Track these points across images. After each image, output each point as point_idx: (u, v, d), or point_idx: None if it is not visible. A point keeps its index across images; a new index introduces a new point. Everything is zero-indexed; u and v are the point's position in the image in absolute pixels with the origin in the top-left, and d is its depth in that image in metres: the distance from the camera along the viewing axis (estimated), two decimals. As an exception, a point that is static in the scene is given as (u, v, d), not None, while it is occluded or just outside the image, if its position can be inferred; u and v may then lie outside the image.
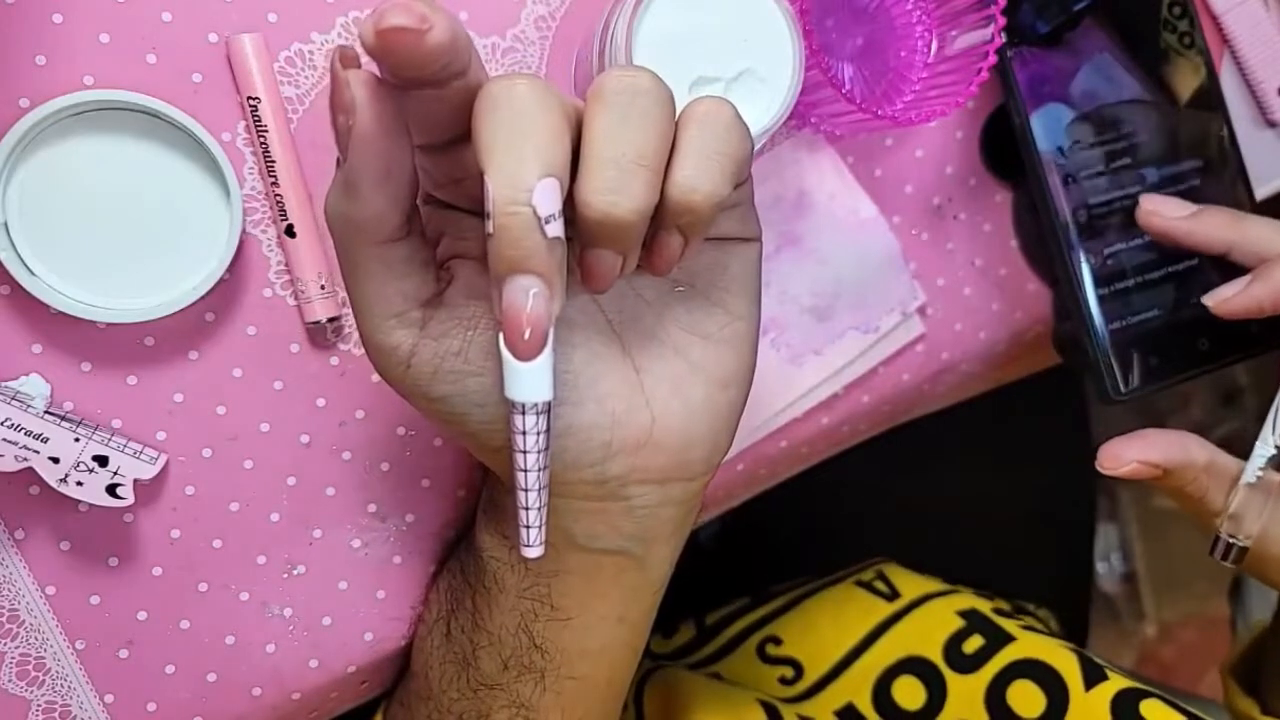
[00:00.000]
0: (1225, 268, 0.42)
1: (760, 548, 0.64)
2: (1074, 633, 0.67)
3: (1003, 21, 0.39)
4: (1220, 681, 0.49)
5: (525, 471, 0.28)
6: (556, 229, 0.25)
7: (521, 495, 0.28)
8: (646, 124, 0.26)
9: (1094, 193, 0.44)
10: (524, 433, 0.27)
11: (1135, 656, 0.96)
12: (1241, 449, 0.40)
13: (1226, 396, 0.90)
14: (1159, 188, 0.44)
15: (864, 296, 0.45)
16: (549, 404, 0.27)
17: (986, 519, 0.63)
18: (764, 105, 0.36)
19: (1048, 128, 0.43)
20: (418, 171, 0.28)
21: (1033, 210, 0.45)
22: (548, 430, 0.28)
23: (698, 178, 0.27)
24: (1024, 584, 0.60)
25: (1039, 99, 0.43)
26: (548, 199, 0.24)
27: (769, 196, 0.43)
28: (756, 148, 0.37)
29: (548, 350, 0.26)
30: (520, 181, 0.24)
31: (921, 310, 0.47)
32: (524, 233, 0.24)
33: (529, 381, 0.26)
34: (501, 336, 0.26)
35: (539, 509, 0.28)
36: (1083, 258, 0.43)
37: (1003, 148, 0.46)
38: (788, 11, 0.35)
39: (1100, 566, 0.95)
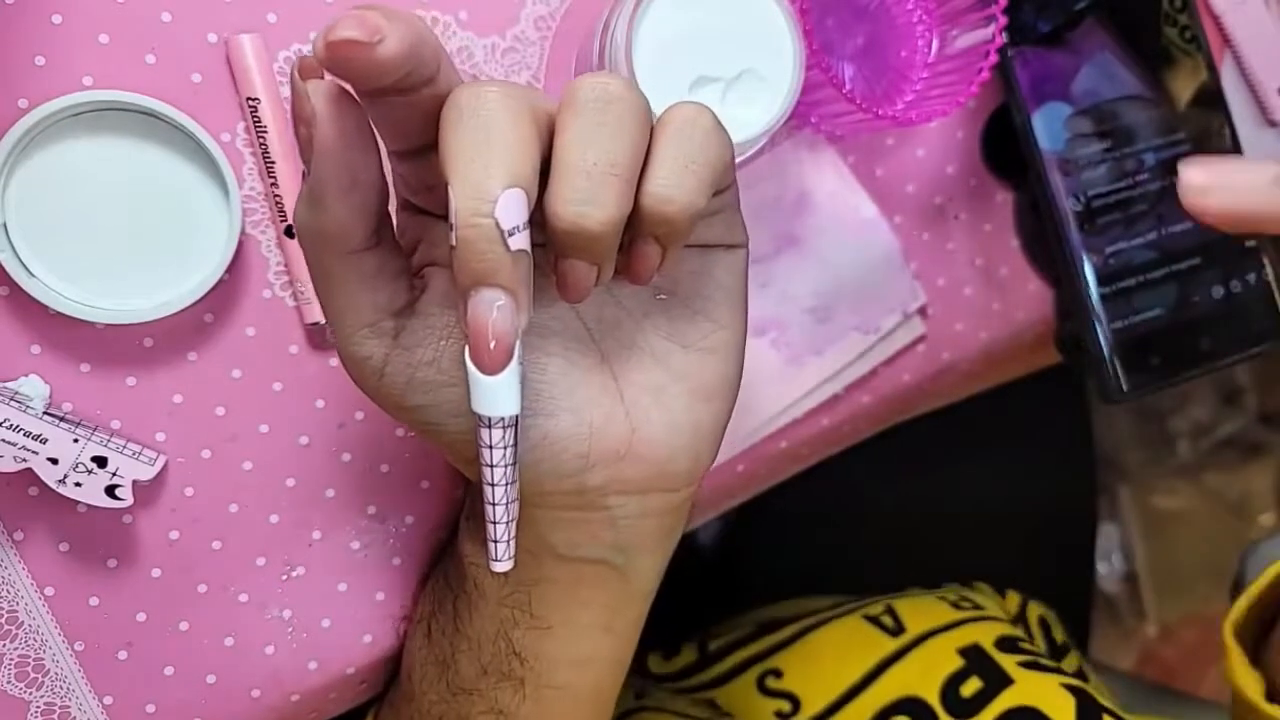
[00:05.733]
0: (1227, 266, 0.42)
1: (762, 554, 0.63)
2: (1075, 634, 0.67)
3: (1004, 21, 0.38)
4: (1221, 680, 0.48)
5: (492, 486, 0.27)
6: (521, 241, 0.24)
7: (489, 509, 0.27)
8: (618, 132, 0.25)
9: (1096, 191, 0.43)
10: (490, 447, 0.26)
11: (1137, 657, 0.96)
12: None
13: (1228, 396, 0.90)
14: (1158, 179, 0.44)
15: (864, 297, 0.45)
16: (516, 418, 0.26)
17: (986, 519, 0.63)
18: (764, 105, 0.36)
19: (1049, 127, 0.43)
20: (394, 177, 0.28)
21: (1034, 209, 0.45)
22: (515, 445, 0.27)
23: (672, 187, 0.26)
24: (1024, 584, 0.59)
25: (1040, 98, 0.43)
26: (512, 211, 0.24)
27: (769, 197, 0.43)
28: (757, 148, 0.37)
29: (514, 364, 0.25)
30: (484, 192, 0.23)
31: (922, 310, 0.47)
32: (487, 245, 0.24)
33: (494, 395, 0.26)
34: (467, 349, 0.25)
35: (507, 523, 0.28)
36: (1085, 256, 0.43)
37: (1004, 147, 0.46)
38: (788, 11, 0.35)
39: (1101, 567, 0.95)
